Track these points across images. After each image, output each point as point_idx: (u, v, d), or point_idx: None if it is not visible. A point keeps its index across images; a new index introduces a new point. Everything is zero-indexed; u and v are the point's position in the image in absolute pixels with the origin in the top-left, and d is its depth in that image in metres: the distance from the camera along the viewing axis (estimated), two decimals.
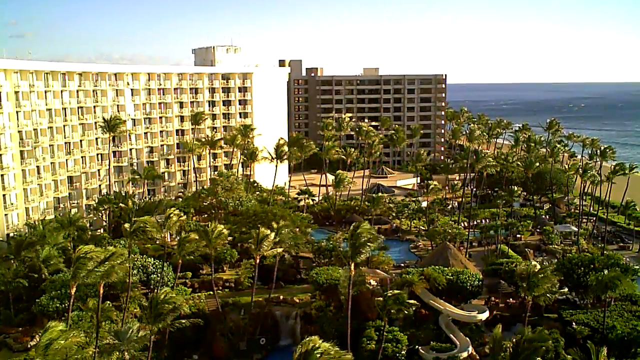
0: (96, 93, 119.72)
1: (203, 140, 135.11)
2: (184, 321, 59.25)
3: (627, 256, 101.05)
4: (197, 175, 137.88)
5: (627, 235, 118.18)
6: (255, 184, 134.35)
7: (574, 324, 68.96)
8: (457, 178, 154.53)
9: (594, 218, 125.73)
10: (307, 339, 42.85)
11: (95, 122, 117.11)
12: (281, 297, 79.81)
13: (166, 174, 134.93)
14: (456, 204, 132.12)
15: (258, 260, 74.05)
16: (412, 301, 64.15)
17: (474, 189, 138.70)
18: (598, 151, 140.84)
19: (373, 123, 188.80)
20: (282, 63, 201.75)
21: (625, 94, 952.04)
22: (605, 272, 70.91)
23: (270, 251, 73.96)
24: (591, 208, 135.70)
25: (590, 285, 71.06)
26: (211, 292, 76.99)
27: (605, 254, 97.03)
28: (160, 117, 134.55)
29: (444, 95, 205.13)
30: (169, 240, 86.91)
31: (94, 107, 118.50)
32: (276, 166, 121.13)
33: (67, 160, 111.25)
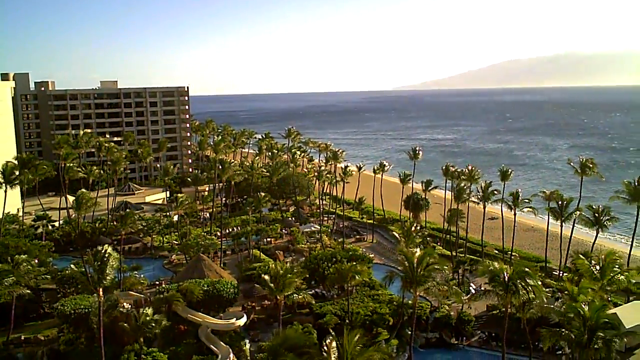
0: None
1: None
2: None
3: (363, 247, 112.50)
4: None
5: (362, 228, 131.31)
6: None
7: (326, 317, 74.23)
8: (207, 189, 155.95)
9: (334, 215, 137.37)
10: None
11: None
12: (22, 336, 71.94)
13: None
14: (208, 214, 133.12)
15: None
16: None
17: (224, 198, 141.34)
18: (330, 154, 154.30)
19: (116, 138, 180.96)
20: (5, 76, 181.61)
21: (359, 102, 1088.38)
22: (346, 263, 77.85)
23: (5, 289, 65.95)
24: (330, 207, 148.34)
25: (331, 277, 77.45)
26: None
27: (345, 247, 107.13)
28: None
29: (187, 107, 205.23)
30: None
31: None
32: (5, 192, 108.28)
33: None
